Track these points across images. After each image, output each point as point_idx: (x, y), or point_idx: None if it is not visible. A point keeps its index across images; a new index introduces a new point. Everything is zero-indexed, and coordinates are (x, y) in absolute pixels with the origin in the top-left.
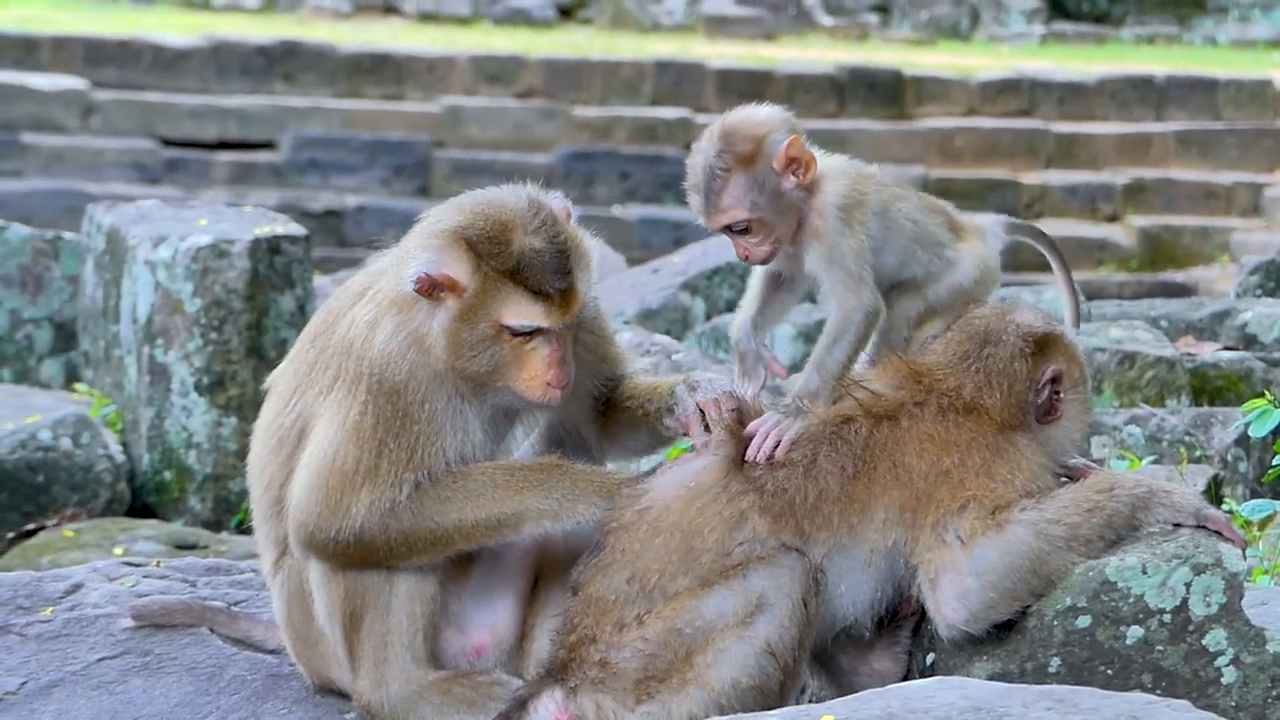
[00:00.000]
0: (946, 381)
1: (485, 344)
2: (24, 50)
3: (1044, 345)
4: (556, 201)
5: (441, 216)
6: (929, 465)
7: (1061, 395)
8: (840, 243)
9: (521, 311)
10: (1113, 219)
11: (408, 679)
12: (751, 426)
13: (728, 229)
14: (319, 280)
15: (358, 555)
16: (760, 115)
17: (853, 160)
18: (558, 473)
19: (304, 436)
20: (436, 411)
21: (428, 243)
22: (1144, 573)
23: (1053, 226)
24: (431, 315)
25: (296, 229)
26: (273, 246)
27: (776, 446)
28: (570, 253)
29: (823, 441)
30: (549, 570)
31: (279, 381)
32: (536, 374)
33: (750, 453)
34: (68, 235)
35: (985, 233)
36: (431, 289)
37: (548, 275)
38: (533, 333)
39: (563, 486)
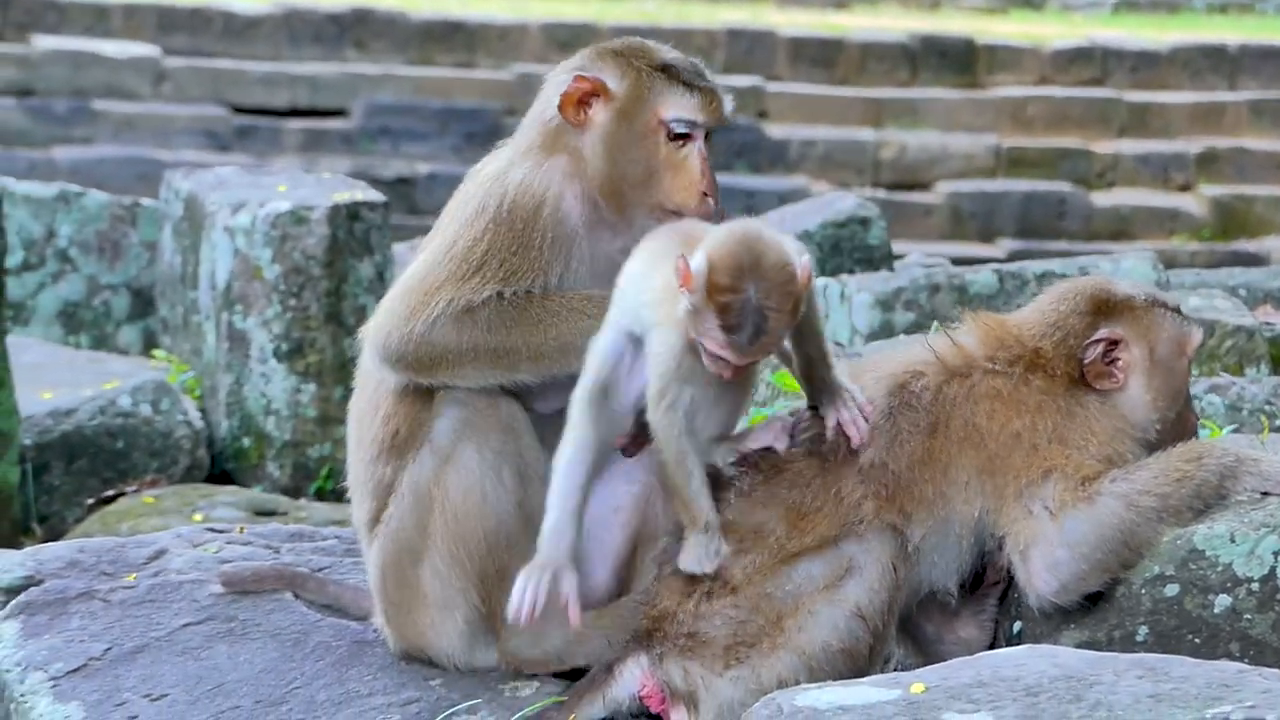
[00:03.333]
0: (1022, 339)
1: (641, 147)
2: (95, 17)
3: (1105, 307)
4: None
5: (566, 62)
6: (999, 426)
7: (1121, 363)
8: None
9: (681, 104)
10: (1185, 188)
11: (563, 623)
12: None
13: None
14: (396, 247)
15: (428, 359)
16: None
17: None
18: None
19: None
20: (555, 241)
21: (569, 67)
22: (1232, 541)
23: (1124, 196)
24: (580, 138)
25: (375, 195)
26: (352, 213)
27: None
28: (703, 66)
29: (895, 404)
30: (646, 540)
31: None
32: (691, 180)
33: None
34: (146, 201)
35: None
36: (581, 102)
37: (697, 73)
38: (686, 136)
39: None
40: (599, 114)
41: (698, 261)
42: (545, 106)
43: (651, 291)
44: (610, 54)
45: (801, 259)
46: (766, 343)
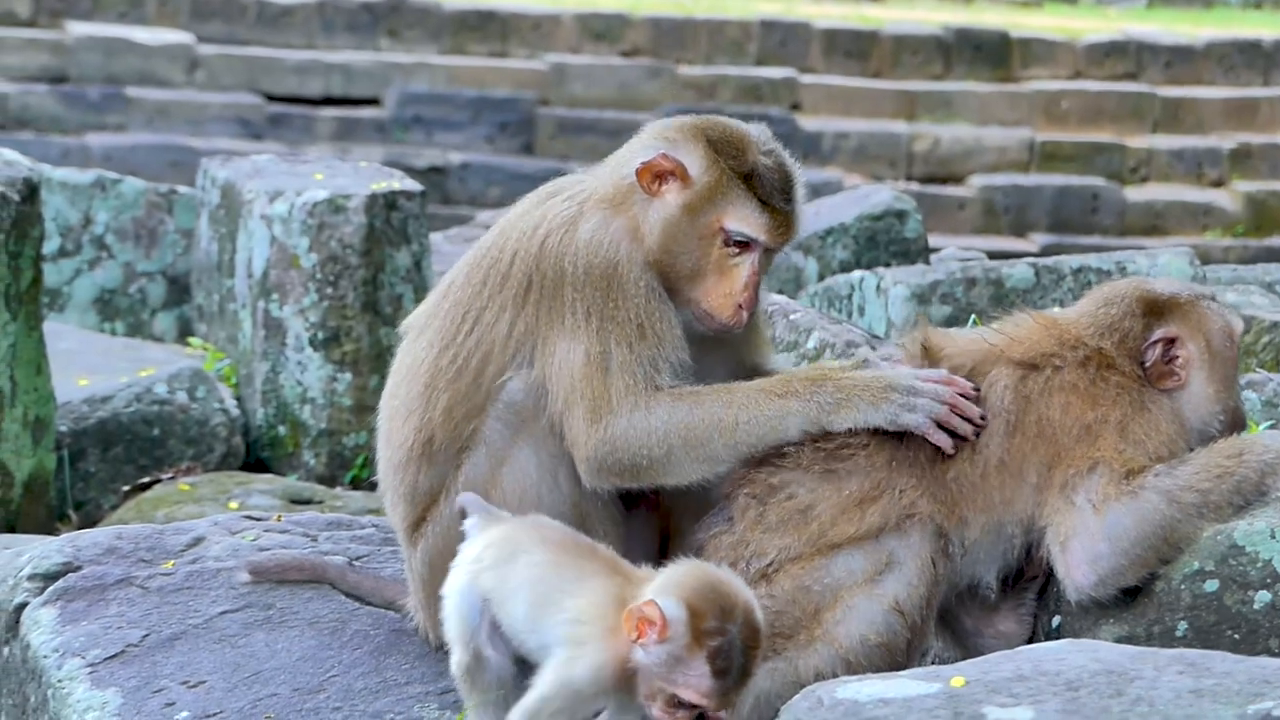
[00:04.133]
0: (1083, 338)
1: (697, 243)
2: (129, 4)
3: (1160, 308)
4: None
5: (669, 122)
6: (1072, 420)
7: (1180, 360)
8: None
9: (746, 218)
10: (1218, 184)
11: None
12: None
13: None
14: (433, 237)
15: (631, 473)
16: None
17: None
18: (819, 379)
19: (488, 362)
20: (652, 293)
21: (663, 133)
22: (1272, 537)
23: (1158, 191)
24: (646, 206)
25: (412, 184)
26: (389, 202)
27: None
28: (795, 181)
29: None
30: (675, 530)
31: (426, 320)
32: (732, 290)
33: (965, 429)
34: (182, 189)
35: None
36: (658, 176)
37: (777, 192)
38: (745, 245)
39: (826, 392)
40: (670, 194)
41: (671, 609)
42: (626, 163)
43: (573, 613)
44: (704, 141)
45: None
46: (744, 684)
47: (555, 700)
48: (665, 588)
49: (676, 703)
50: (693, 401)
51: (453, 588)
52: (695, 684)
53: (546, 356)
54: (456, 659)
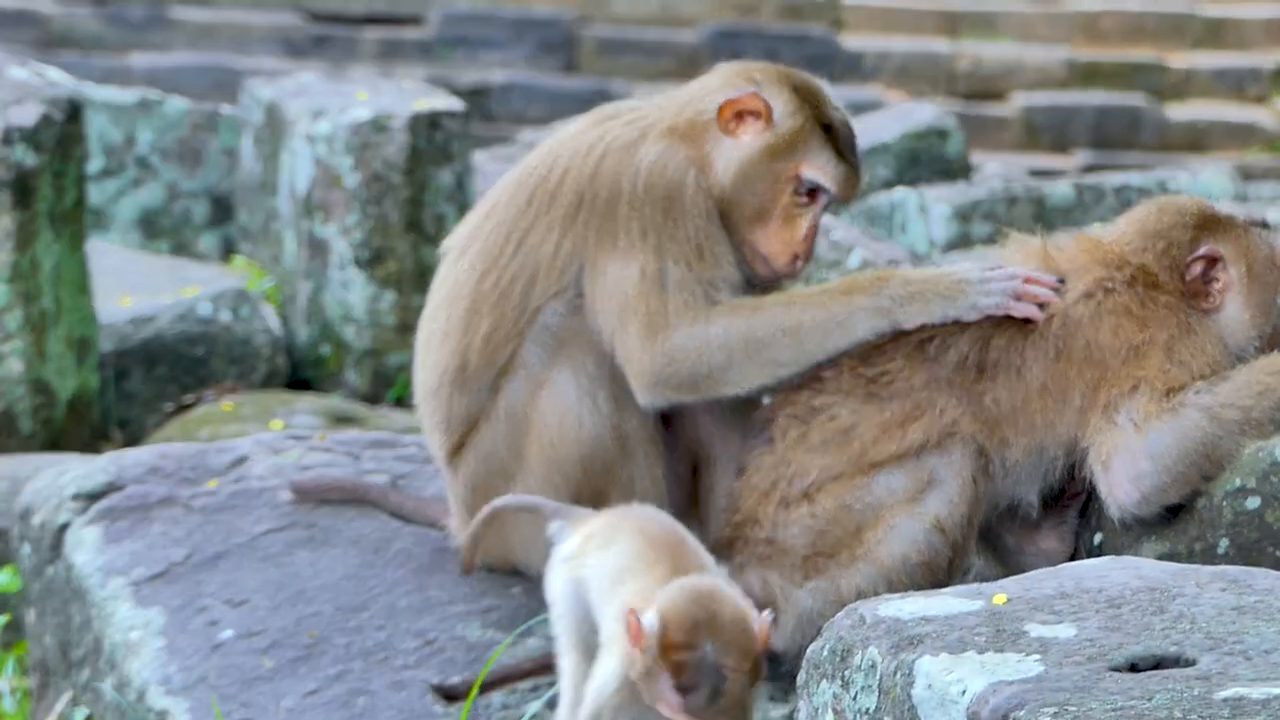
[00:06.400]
0: (1125, 256)
1: (770, 186)
2: None
3: (1210, 223)
4: None
5: (746, 64)
6: (1123, 342)
7: (1220, 284)
8: None
9: (823, 168)
10: (1260, 101)
11: None
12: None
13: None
14: (476, 156)
15: (690, 384)
16: None
17: None
18: (884, 277)
19: (534, 285)
20: (712, 218)
21: (747, 74)
22: None
23: (1199, 109)
24: (720, 143)
25: (455, 104)
26: (432, 121)
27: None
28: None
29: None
30: (706, 458)
31: (467, 241)
32: (793, 239)
33: (1046, 294)
34: (226, 108)
35: None
36: (740, 116)
37: (851, 145)
38: (813, 195)
39: (894, 287)
40: (750, 134)
41: (649, 619)
42: (702, 98)
43: (616, 607)
44: (790, 86)
45: (761, 616)
46: (725, 705)
47: (598, 710)
48: (661, 599)
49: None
50: (753, 308)
51: (555, 593)
52: (663, 696)
53: (597, 277)
54: (568, 665)
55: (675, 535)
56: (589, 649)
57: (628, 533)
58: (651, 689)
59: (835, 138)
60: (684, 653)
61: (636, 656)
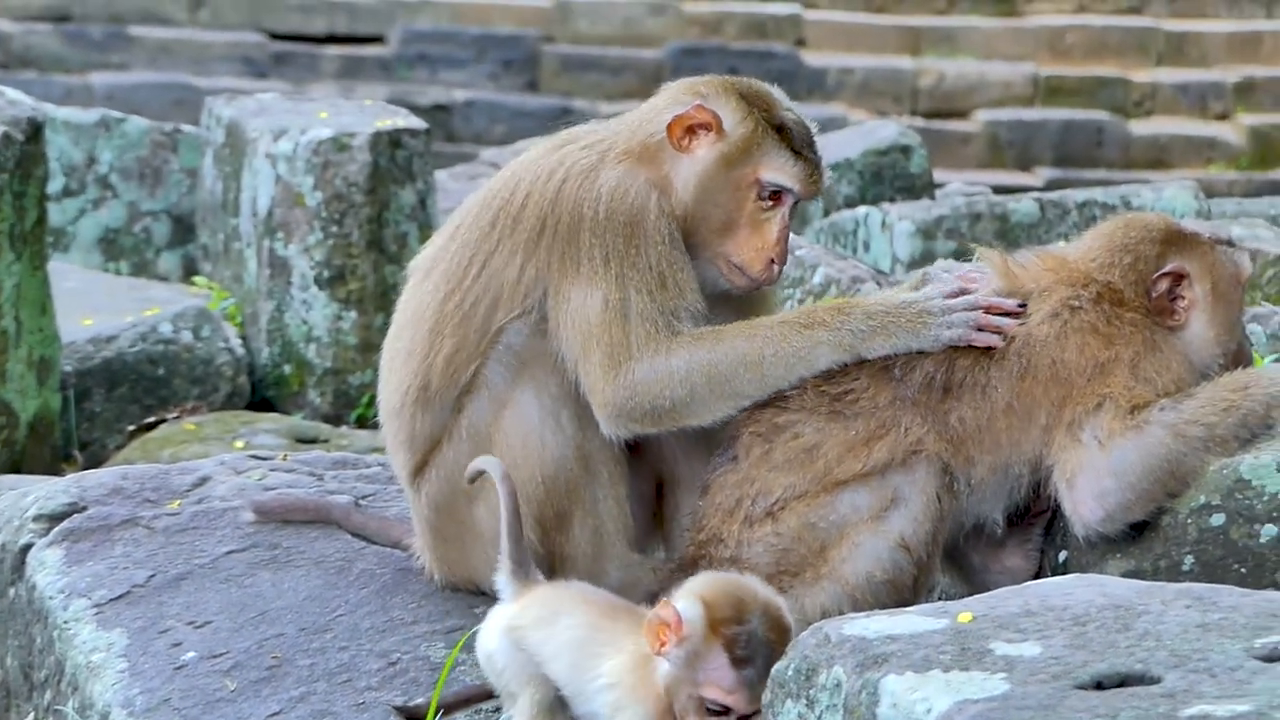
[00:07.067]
0: (1090, 273)
1: (731, 196)
2: None
3: (1176, 239)
4: None
5: (691, 80)
6: (1088, 360)
7: (1185, 301)
8: None
9: (782, 168)
10: (1223, 117)
11: (625, 564)
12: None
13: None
14: (437, 175)
15: (653, 417)
16: None
17: None
18: (846, 307)
19: (496, 307)
20: (674, 244)
21: (692, 89)
22: (1278, 470)
23: (1162, 125)
24: (676, 161)
25: (417, 122)
26: (394, 140)
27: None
28: (814, 135)
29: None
30: (670, 478)
31: (431, 262)
32: (765, 244)
33: (1007, 324)
34: (186, 128)
35: None
36: (690, 130)
37: (807, 142)
38: (777, 198)
39: (855, 319)
40: (703, 148)
41: (687, 607)
42: (651, 119)
43: (608, 676)
44: (736, 95)
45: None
46: (761, 689)
47: None
48: (680, 594)
49: (707, 710)
50: (714, 340)
51: (490, 647)
52: (717, 678)
53: (560, 303)
54: (526, 699)
55: (614, 598)
56: (545, 680)
57: (571, 607)
58: (697, 676)
59: (789, 137)
60: (734, 626)
61: (674, 654)
